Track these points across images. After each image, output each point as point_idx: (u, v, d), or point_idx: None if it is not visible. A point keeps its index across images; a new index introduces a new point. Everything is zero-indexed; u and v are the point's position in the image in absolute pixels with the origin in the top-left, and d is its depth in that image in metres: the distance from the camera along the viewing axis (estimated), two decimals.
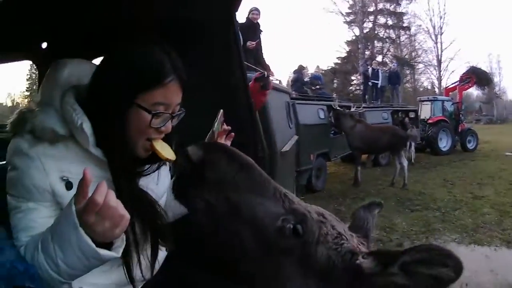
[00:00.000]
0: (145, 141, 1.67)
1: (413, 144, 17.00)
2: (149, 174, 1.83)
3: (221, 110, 2.13)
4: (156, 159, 1.78)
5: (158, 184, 1.95)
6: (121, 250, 1.45)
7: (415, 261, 1.20)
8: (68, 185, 1.59)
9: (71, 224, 1.31)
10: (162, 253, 1.96)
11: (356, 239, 1.46)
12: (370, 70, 22.63)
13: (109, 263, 1.56)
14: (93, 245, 1.33)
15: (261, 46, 10.36)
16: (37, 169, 1.55)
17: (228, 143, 2.14)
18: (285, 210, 1.39)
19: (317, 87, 17.53)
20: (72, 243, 1.33)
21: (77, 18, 2.65)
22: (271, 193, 1.42)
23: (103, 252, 1.36)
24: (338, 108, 13.77)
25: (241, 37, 2.72)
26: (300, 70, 17.81)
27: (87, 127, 1.58)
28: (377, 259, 1.29)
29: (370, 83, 22.01)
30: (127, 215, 1.34)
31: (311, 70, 33.11)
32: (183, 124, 2.44)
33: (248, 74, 2.89)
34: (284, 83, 17.91)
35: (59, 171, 1.59)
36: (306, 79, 17.79)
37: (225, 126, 2.15)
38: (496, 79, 55.11)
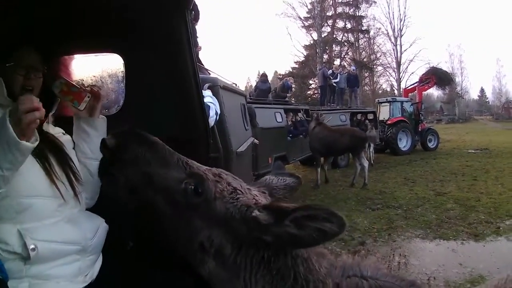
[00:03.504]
0: (21, 91, 2.25)
1: (372, 145, 17.18)
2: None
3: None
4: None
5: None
6: (35, 145, 1.96)
7: (304, 216, 1.39)
8: None
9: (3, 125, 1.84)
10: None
11: (255, 191, 1.72)
12: (330, 72, 22.80)
13: (54, 217, 2.11)
14: (16, 137, 1.84)
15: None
16: None
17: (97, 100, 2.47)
18: (186, 175, 1.65)
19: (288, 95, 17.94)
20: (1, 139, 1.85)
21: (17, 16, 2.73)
22: (175, 163, 1.68)
23: (23, 143, 1.87)
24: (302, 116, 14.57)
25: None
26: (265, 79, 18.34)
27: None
28: (271, 213, 1.48)
29: (330, 84, 22.17)
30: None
31: (269, 74, 33.30)
32: (138, 121, 2.70)
33: None
34: (242, 88, 18.05)
35: None
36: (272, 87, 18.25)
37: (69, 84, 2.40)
38: (458, 79, 56.39)
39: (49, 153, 2.23)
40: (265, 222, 1.47)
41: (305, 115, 16.04)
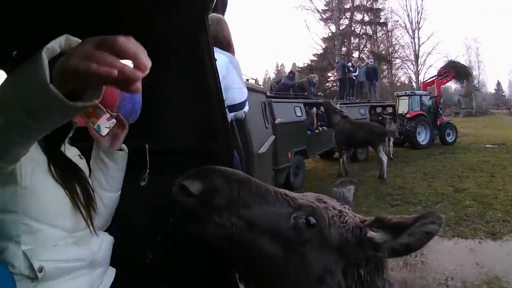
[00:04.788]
0: None
1: (391, 139, 17.03)
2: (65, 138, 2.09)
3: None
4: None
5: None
6: (88, 105, 1.26)
7: (418, 226, 1.40)
8: None
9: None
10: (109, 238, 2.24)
11: (347, 210, 1.65)
12: (349, 65, 22.79)
13: (61, 241, 1.88)
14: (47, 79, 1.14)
15: None
16: None
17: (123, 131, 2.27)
18: (293, 208, 1.53)
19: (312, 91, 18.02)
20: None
21: (47, 26, 2.40)
22: (274, 198, 1.54)
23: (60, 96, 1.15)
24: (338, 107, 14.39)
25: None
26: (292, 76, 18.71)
27: None
28: (387, 231, 1.48)
29: (350, 78, 22.24)
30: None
31: (287, 68, 33.31)
32: (157, 128, 2.68)
33: None
34: (261, 82, 18.08)
35: None
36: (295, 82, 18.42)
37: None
38: (475, 72, 55.96)
39: (73, 179, 2.01)
40: (381, 241, 1.47)
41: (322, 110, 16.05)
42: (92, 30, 2.51)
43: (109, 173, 2.26)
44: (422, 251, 6.88)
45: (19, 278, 1.77)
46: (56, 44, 1.27)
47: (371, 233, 1.49)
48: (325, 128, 15.60)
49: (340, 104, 15.53)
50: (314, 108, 15.91)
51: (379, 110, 21.27)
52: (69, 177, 1.98)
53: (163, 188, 1.74)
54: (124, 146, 2.32)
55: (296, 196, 1.59)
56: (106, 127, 2.12)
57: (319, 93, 17.44)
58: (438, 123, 22.40)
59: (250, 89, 6.72)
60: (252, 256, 1.52)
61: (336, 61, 34.20)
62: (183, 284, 2.46)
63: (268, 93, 12.42)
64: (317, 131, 15.26)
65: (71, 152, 2.17)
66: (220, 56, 3.31)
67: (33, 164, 1.77)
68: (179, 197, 1.47)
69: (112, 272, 2.25)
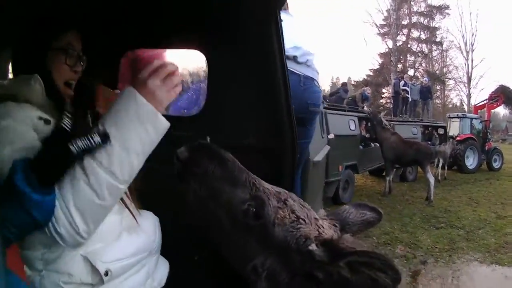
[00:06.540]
0: (64, 86, 1.96)
1: (441, 160, 17.04)
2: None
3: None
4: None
5: None
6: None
7: (359, 262, 1.35)
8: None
9: (131, 95, 1.61)
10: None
11: (325, 223, 1.67)
12: (402, 83, 22.75)
13: (115, 232, 1.83)
14: (151, 106, 1.63)
15: None
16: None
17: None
18: (250, 196, 1.64)
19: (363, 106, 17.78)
20: (130, 112, 1.60)
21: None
22: (242, 182, 1.68)
23: (160, 115, 1.67)
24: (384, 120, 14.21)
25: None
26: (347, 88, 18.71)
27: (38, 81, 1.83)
28: (327, 250, 1.46)
29: (402, 96, 22.18)
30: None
31: (342, 80, 33.13)
32: (222, 122, 2.70)
33: None
34: None
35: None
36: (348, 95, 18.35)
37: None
38: None
39: None
40: (319, 258, 1.46)
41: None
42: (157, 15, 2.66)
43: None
44: (461, 275, 7.17)
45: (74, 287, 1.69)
46: None
47: (313, 247, 1.50)
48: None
49: (387, 119, 15.51)
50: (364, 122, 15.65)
51: (430, 130, 21.24)
52: None
53: None
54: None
55: (261, 187, 1.69)
56: None
57: (363, 106, 17.21)
58: (486, 148, 22.12)
59: None
60: (209, 221, 1.73)
61: (392, 77, 34.10)
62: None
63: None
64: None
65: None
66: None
67: None
68: (174, 160, 1.73)
69: (165, 263, 2.24)
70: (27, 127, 1.67)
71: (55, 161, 1.54)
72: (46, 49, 1.88)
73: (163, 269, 2.16)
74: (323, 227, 1.63)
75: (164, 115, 1.73)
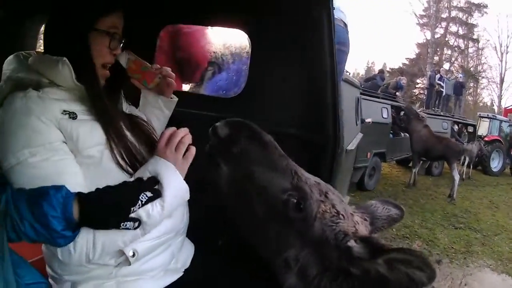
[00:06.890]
0: (101, 68, 1.86)
1: (467, 159, 16.85)
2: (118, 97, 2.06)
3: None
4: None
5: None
6: None
7: (398, 259, 1.35)
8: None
9: (172, 172, 1.67)
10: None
11: (358, 217, 1.66)
12: (438, 76, 22.43)
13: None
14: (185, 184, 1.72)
15: None
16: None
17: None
18: (292, 186, 1.59)
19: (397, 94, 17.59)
20: (173, 188, 1.67)
21: None
22: (283, 169, 1.63)
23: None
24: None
25: None
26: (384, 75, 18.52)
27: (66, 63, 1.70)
28: (367, 247, 1.45)
29: (436, 89, 21.96)
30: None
31: (377, 66, 32.74)
32: (261, 107, 2.68)
33: None
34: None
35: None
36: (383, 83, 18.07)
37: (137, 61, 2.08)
38: None
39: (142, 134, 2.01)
40: (358, 254, 1.45)
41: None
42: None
43: (164, 120, 2.31)
44: (472, 280, 7.05)
45: (95, 267, 1.68)
46: None
47: (352, 243, 1.48)
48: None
49: (419, 110, 15.35)
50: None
51: (460, 127, 21.03)
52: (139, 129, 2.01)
53: None
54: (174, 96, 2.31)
55: (303, 177, 1.63)
56: (153, 83, 2.11)
57: (395, 93, 16.90)
58: (511, 153, 21.87)
59: (347, 81, 7.12)
60: (240, 206, 1.69)
61: (428, 69, 33.70)
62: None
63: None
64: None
65: (132, 109, 2.18)
66: None
67: None
68: (210, 135, 1.70)
69: (191, 245, 2.21)
70: (48, 125, 1.61)
71: (106, 216, 1.49)
72: (90, 29, 1.77)
73: (188, 250, 2.15)
74: (358, 223, 1.63)
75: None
